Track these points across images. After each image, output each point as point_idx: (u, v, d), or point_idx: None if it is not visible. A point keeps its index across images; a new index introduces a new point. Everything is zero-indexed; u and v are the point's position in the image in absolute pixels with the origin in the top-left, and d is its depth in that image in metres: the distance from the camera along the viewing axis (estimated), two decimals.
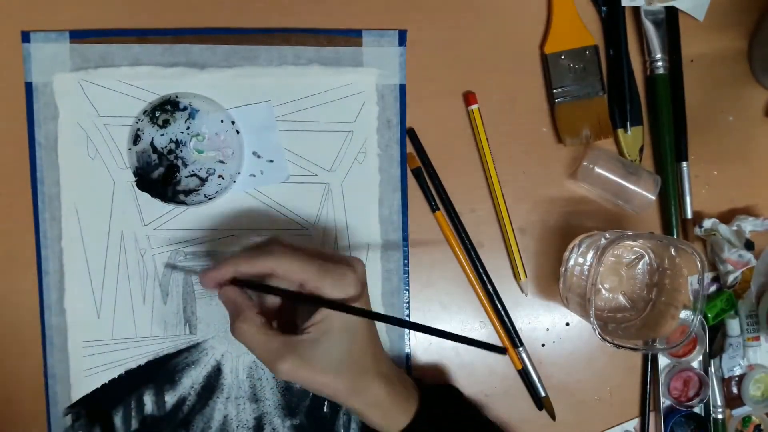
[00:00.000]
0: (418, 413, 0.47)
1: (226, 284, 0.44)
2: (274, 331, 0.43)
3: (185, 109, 0.54)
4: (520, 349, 0.57)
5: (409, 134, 0.56)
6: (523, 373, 0.57)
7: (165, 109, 0.54)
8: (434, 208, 0.56)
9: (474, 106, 0.56)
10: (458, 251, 0.57)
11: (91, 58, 0.54)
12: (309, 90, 0.55)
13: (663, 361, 0.59)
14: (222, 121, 0.54)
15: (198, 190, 0.54)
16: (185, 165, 0.54)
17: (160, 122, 0.54)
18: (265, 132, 0.55)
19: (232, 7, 0.55)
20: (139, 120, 0.54)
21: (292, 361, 0.42)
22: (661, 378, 0.59)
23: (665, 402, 0.59)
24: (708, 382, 0.58)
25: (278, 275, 0.43)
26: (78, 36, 0.54)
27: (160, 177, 0.54)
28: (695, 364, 0.59)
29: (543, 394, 0.57)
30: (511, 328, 0.57)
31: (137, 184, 0.54)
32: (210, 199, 0.54)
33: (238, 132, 0.55)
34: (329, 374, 0.43)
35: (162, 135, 0.54)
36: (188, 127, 0.54)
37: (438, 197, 0.56)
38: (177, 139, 0.54)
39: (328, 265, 0.43)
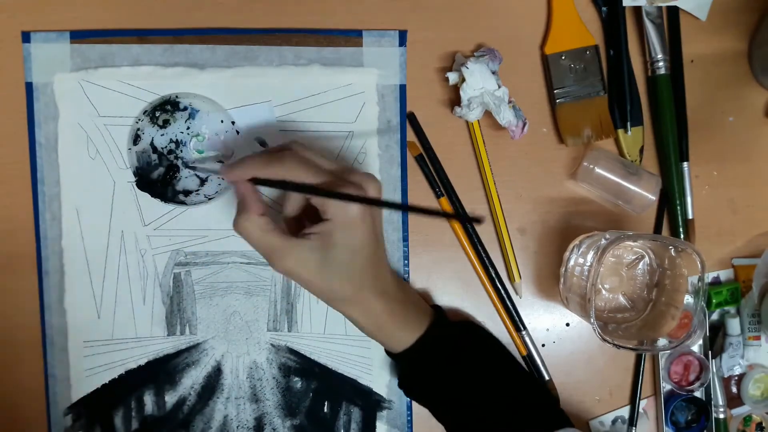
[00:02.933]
0: (423, 337, 0.50)
1: (242, 181, 0.45)
2: (276, 231, 0.45)
3: (185, 109, 0.54)
4: (524, 332, 0.57)
5: (409, 119, 0.56)
6: (528, 359, 0.57)
7: (165, 109, 0.54)
8: (438, 194, 0.56)
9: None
10: (461, 236, 0.56)
11: (92, 58, 0.54)
12: (309, 90, 0.55)
13: (662, 342, 0.58)
14: (222, 122, 0.54)
15: (198, 190, 0.54)
16: (185, 165, 0.54)
17: (160, 122, 0.54)
18: (266, 131, 0.55)
19: (232, 8, 0.55)
20: (139, 120, 0.54)
21: (292, 262, 0.45)
22: (662, 362, 0.58)
23: (665, 386, 0.59)
24: (708, 366, 0.58)
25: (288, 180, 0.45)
26: (78, 36, 0.54)
27: (160, 177, 0.54)
28: (695, 348, 0.59)
29: (547, 377, 0.58)
30: (513, 311, 0.57)
31: (137, 184, 0.54)
32: (210, 199, 0.54)
33: (238, 132, 0.54)
34: (324, 280, 0.45)
35: (162, 135, 0.54)
36: (188, 128, 0.54)
37: (440, 184, 0.56)
38: (177, 139, 0.54)
39: (337, 183, 0.44)
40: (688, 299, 0.51)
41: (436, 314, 0.53)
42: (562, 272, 0.54)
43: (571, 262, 0.54)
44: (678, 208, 0.57)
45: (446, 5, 0.56)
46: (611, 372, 0.58)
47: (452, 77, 0.54)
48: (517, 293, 0.57)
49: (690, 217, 0.58)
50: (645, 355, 0.58)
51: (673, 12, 0.57)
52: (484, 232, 0.57)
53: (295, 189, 0.45)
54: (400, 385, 0.53)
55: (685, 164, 0.57)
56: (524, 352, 0.57)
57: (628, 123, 0.56)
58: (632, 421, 0.58)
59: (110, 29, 0.54)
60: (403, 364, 0.52)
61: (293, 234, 0.46)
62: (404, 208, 0.43)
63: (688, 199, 0.57)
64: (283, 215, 0.48)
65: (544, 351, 0.58)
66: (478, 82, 0.52)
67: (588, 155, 0.55)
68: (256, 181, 0.45)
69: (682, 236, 0.57)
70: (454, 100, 0.56)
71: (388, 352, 0.53)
